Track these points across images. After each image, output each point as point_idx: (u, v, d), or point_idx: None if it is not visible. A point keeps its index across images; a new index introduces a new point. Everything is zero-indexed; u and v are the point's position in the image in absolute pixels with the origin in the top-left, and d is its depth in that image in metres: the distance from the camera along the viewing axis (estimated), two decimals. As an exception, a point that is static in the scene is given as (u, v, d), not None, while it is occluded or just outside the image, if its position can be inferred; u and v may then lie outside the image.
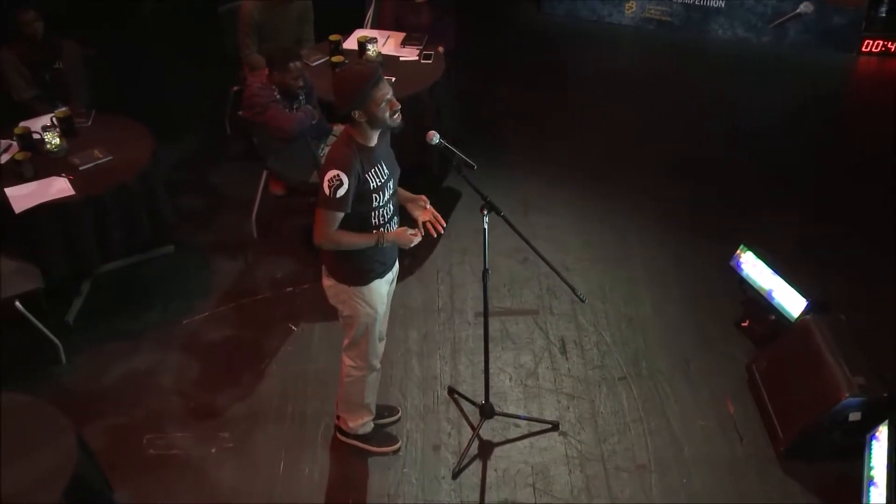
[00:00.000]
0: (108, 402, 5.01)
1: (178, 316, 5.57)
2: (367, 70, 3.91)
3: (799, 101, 7.75)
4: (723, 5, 8.49)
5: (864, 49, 8.40)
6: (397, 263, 4.37)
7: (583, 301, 4.45)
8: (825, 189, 6.65)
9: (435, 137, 4.03)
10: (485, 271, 4.36)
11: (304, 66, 5.63)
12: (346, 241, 3.97)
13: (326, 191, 3.81)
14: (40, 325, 5.11)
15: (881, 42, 8.38)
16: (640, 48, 8.68)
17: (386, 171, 4.02)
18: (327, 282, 4.25)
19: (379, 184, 3.95)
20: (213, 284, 5.83)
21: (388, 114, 3.86)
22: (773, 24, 8.46)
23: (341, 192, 3.79)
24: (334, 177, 3.79)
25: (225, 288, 5.80)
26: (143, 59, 8.10)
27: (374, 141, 3.96)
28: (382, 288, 4.27)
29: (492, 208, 4.20)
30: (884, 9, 8.54)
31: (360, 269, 4.13)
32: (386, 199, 4.03)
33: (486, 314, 4.46)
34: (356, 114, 3.83)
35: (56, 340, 5.19)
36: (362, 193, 3.89)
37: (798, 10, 8.33)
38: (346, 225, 3.94)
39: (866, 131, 7.40)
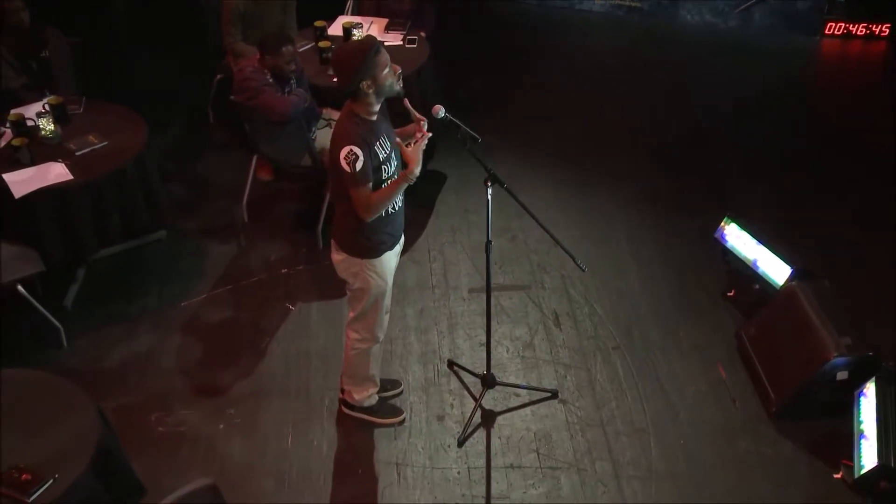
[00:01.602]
0: (112, 383, 5.05)
1: (176, 299, 5.62)
2: (366, 40, 4.06)
3: (768, 81, 7.96)
4: (691, -10, 8.71)
5: (827, 32, 8.65)
6: (403, 236, 4.48)
7: (583, 270, 4.58)
8: (799, 162, 6.88)
9: (441, 111, 4.15)
10: (488, 242, 4.46)
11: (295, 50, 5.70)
12: (384, 198, 4.04)
13: (347, 168, 3.90)
14: (42, 309, 5.14)
15: (843, 25, 8.64)
16: (611, 33, 8.85)
17: (388, 143, 4.12)
18: (338, 256, 4.34)
19: (385, 155, 4.06)
20: (208, 268, 5.88)
21: (392, 78, 3.98)
22: (740, 9, 8.68)
23: (360, 164, 3.89)
24: (349, 152, 3.89)
25: (220, 271, 5.86)
26: (126, 48, 8.14)
27: (375, 115, 4.06)
28: (392, 260, 4.38)
29: (495, 180, 4.31)
30: (845, -8, 8.83)
31: (372, 242, 4.23)
32: (393, 170, 4.13)
33: (488, 285, 4.58)
34: (364, 84, 3.92)
35: (58, 324, 5.22)
36: (374, 167, 3.99)
37: (764, -6, 8.57)
38: None
39: (833, 108, 7.67)
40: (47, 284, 5.47)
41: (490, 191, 4.33)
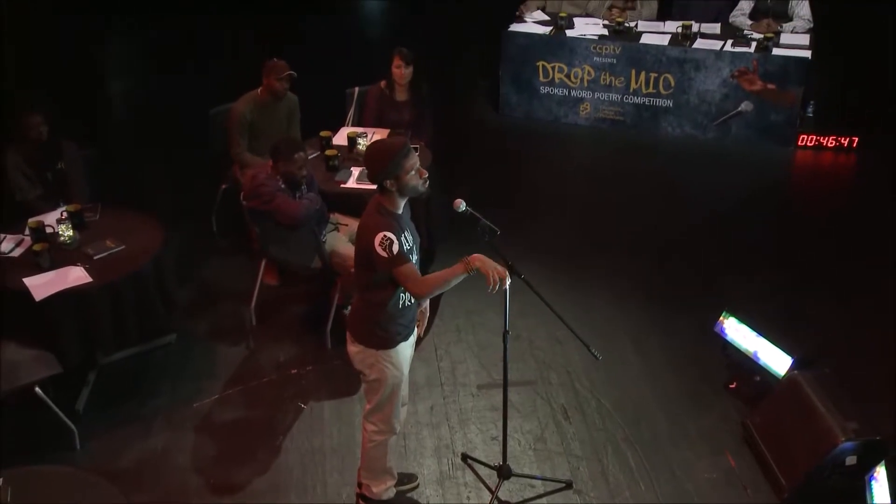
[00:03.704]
0: (128, 483, 5.04)
1: (188, 400, 5.67)
2: (398, 142, 4.27)
3: (749, 186, 8.29)
4: (671, 105, 9.12)
5: (800, 143, 9.06)
6: (416, 328, 4.62)
7: (598, 359, 4.72)
8: (787, 258, 7.16)
9: (462, 205, 4.35)
10: (505, 333, 4.61)
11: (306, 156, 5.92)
12: (441, 281, 4.18)
13: (384, 253, 4.06)
14: (58, 411, 5.17)
15: (814, 137, 9.07)
16: (595, 144, 9.18)
17: (411, 236, 4.31)
18: (354, 348, 4.46)
19: (409, 247, 4.24)
20: (219, 369, 5.95)
21: (417, 181, 4.18)
22: (717, 121, 9.10)
23: (396, 247, 4.06)
24: (383, 238, 4.06)
25: (230, 372, 5.93)
26: (130, 159, 8.42)
27: (401, 208, 4.27)
28: (407, 350, 4.52)
29: (513, 272, 4.47)
30: (811, 109, 9.34)
31: (388, 333, 4.37)
32: (414, 262, 4.30)
33: (505, 373, 4.70)
34: (388, 183, 4.14)
35: (72, 426, 5.24)
36: (399, 255, 4.16)
37: (739, 109, 8.99)
38: (381, 286, 4.20)
39: (810, 212, 8.00)
40: (59, 387, 5.50)
41: (508, 281, 4.48)
